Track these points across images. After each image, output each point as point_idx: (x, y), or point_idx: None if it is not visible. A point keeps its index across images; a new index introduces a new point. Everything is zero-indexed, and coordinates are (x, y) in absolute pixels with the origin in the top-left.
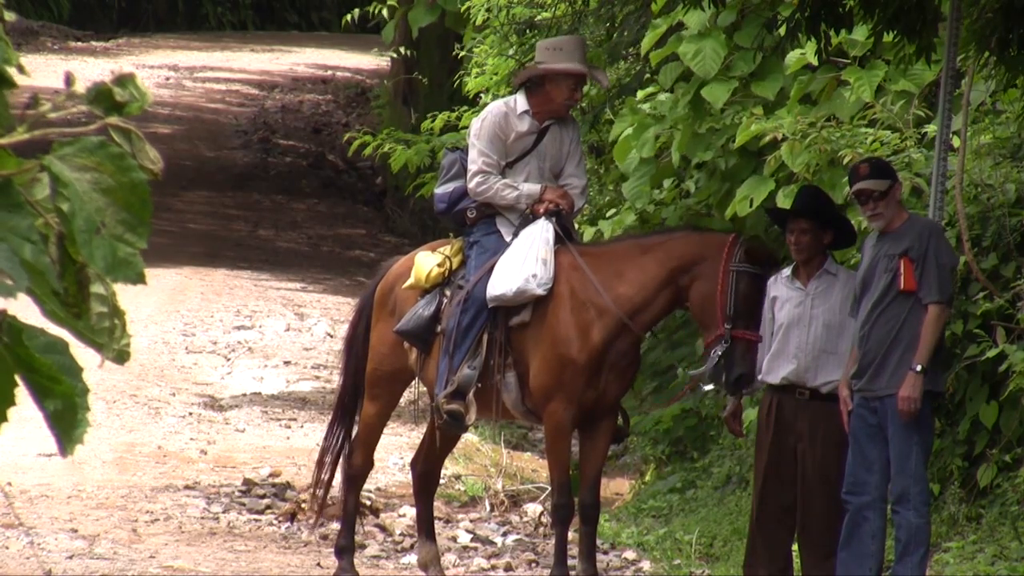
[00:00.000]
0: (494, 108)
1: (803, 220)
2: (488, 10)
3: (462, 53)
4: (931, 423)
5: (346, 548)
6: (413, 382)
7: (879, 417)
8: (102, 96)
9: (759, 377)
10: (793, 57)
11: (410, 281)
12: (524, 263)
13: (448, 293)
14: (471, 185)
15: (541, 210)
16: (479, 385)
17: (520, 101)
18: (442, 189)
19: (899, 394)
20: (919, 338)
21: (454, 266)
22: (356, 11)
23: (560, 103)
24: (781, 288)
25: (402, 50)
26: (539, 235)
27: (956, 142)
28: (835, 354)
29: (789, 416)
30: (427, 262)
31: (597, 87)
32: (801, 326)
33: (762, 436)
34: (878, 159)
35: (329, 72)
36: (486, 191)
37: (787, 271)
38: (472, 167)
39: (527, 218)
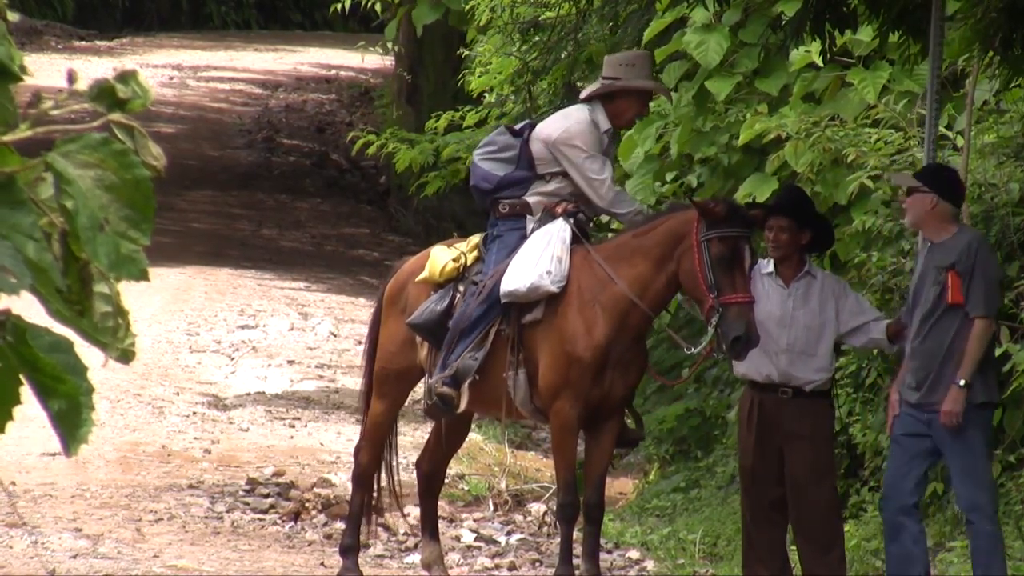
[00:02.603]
0: (583, 119)
1: (782, 218)
2: (492, 9)
3: (466, 53)
4: (991, 433)
5: (351, 547)
6: (421, 381)
7: (932, 429)
8: (104, 93)
9: (739, 372)
10: (797, 55)
11: (424, 274)
12: (539, 260)
13: (461, 289)
14: (611, 195)
15: (560, 210)
16: (476, 377)
17: (602, 119)
18: (489, 167)
19: (942, 408)
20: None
21: (469, 262)
22: (347, 2)
23: (629, 118)
24: (761, 283)
25: (389, 44)
26: (556, 234)
27: (960, 141)
28: (814, 356)
29: (772, 415)
30: (442, 256)
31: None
32: (782, 326)
33: (744, 436)
34: (936, 168)
35: (333, 71)
36: (623, 200)
37: (768, 267)
38: (597, 177)
39: (545, 217)
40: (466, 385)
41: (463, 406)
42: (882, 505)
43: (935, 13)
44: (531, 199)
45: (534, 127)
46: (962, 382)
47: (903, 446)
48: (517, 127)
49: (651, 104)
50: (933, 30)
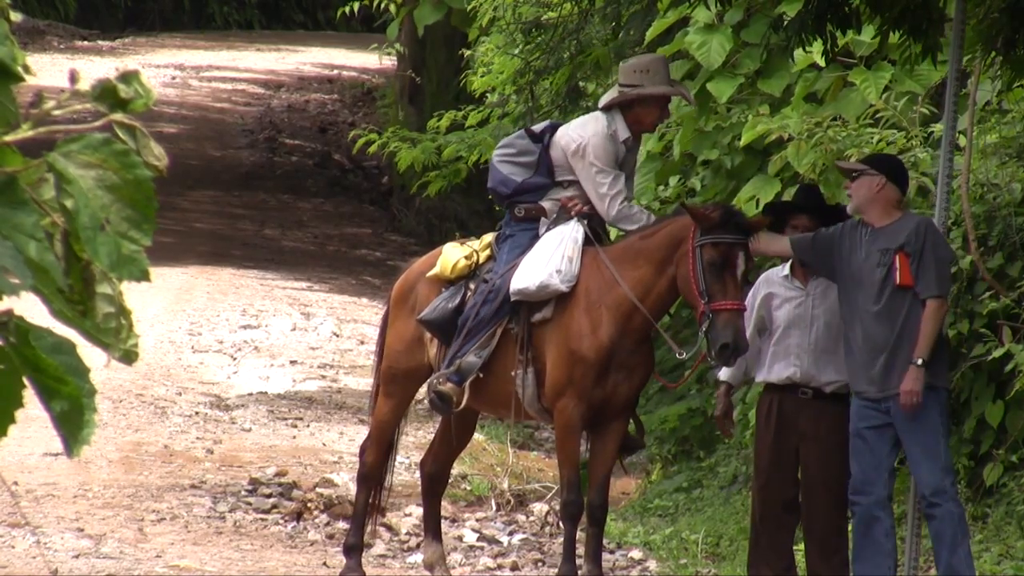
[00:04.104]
0: (600, 131)
1: (805, 216)
2: (495, 9)
3: (468, 52)
4: (947, 417)
5: (354, 547)
6: (427, 381)
7: (892, 416)
8: (106, 93)
9: (758, 378)
10: (799, 56)
11: (435, 270)
12: (550, 259)
13: (472, 286)
14: (614, 211)
15: (575, 211)
16: (480, 375)
17: (621, 128)
18: (508, 170)
19: (901, 388)
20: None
21: (481, 260)
22: (355, 4)
23: (649, 123)
24: (777, 287)
25: (398, 46)
26: (569, 234)
27: (962, 141)
28: (836, 354)
29: (790, 415)
30: (454, 254)
31: (605, 87)
32: (802, 326)
33: (762, 435)
34: (882, 155)
35: (335, 71)
36: (628, 217)
37: (784, 270)
38: (609, 192)
39: (560, 217)
40: (467, 383)
41: (463, 403)
42: (854, 499)
43: (957, 16)
44: (547, 204)
45: (555, 129)
46: (919, 361)
47: (868, 440)
48: (537, 130)
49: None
50: (955, 32)
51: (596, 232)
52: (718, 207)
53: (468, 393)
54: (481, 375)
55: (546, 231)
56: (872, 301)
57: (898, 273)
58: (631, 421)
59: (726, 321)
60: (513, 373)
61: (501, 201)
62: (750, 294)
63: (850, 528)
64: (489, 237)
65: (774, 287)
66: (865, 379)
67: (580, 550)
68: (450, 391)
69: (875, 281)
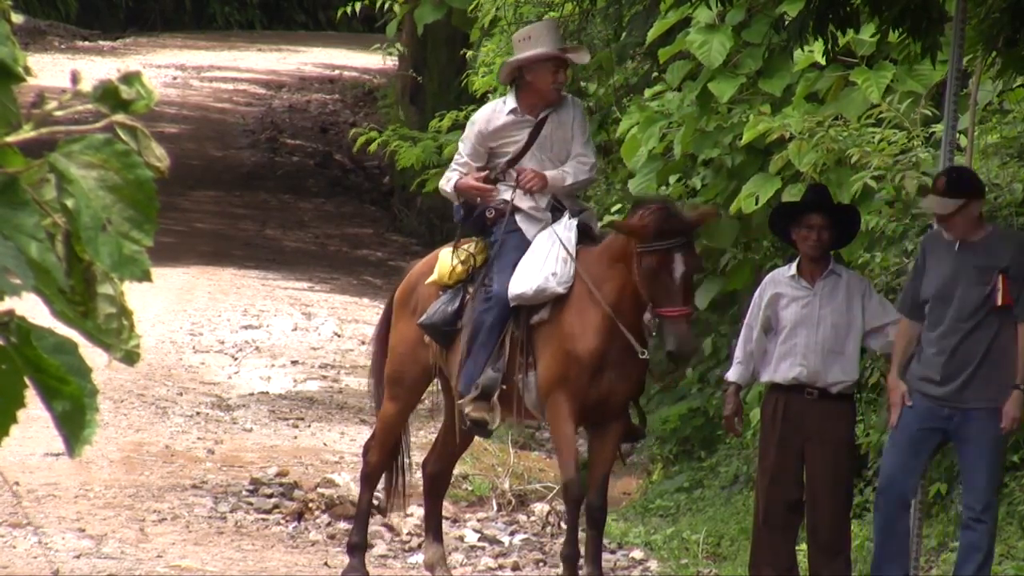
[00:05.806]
0: (482, 111)
1: (820, 216)
2: (496, 9)
3: (469, 53)
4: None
5: (357, 546)
6: (432, 382)
7: (954, 424)
8: (108, 94)
9: (763, 378)
10: (801, 55)
11: (433, 277)
12: (545, 262)
13: (471, 291)
14: (442, 181)
15: (522, 182)
16: (503, 387)
17: (509, 100)
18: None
19: (1004, 410)
20: (1008, 353)
21: (478, 264)
22: (356, 5)
23: (546, 89)
24: (784, 286)
25: (398, 46)
26: (562, 234)
27: (963, 141)
28: (842, 354)
29: (796, 416)
30: (450, 259)
31: (607, 87)
32: (809, 326)
33: (767, 435)
34: (955, 172)
35: (336, 71)
36: (445, 185)
37: (790, 269)
38: (453, 165)
39: (554, 217)
40: (495, 399)
41: (497, 422)
42: (882, 496)
43: (957, 15)
44: (504, 196)
45: None
46: (1022, 386)
47: (913, 439)
48: None
49: (655, 104)
50: (955, 32)
51: (589, 229)
52: (652, 212)
53: (499, 408)
54: (504, 387)
55: (538, 231)
56: (965, 317)
57: (1000, 295)
58: (636, 410)
59: (669, 327)
60: (515, 377)
61: (467, 225)
62: (756, 293)
63: (855, 527)
64: (484, 240)
65: (781, 287)
66: (938, 385)
67: (583, 536)
68: (481, 413)
69: (973, 297)
